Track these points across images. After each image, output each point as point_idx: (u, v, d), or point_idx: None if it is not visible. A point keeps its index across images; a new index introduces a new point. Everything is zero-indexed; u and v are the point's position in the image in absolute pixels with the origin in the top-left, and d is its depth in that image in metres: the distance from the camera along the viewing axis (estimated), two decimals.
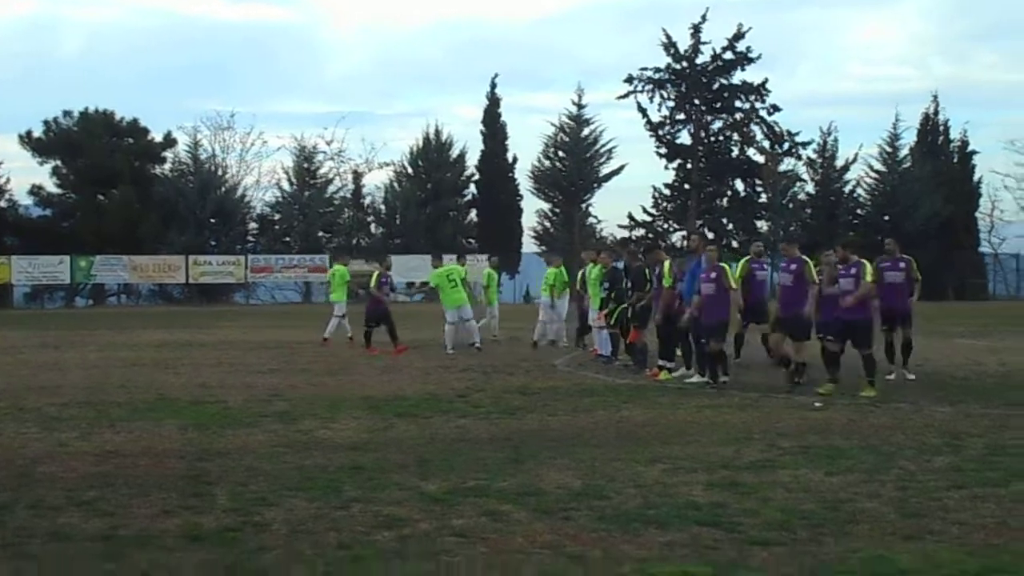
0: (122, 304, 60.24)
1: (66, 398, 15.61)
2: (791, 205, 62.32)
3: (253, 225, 64.80)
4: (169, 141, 63.84)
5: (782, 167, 62.18)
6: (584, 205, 64.24)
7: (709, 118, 62.70)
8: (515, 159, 63.88)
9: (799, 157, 62.69)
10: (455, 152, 64.15)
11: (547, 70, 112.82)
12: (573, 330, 25.18)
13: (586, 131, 63.97)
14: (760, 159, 62.40)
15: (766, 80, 61.92)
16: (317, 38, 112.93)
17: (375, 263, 30.56)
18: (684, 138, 63.00)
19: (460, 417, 13.58)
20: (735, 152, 63.08)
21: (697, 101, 62.19)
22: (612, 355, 20.67)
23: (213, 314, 46.35)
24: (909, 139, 64.71)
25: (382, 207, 64.15)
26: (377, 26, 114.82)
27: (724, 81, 62.37)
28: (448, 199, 63.05)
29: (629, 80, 62.43)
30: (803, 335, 16.63)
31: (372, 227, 64.73)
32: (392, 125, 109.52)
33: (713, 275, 16.99)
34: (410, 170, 63.86)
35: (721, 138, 63.11)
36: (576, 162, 63.10)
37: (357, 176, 64.49)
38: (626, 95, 62.70)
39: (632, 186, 72.42)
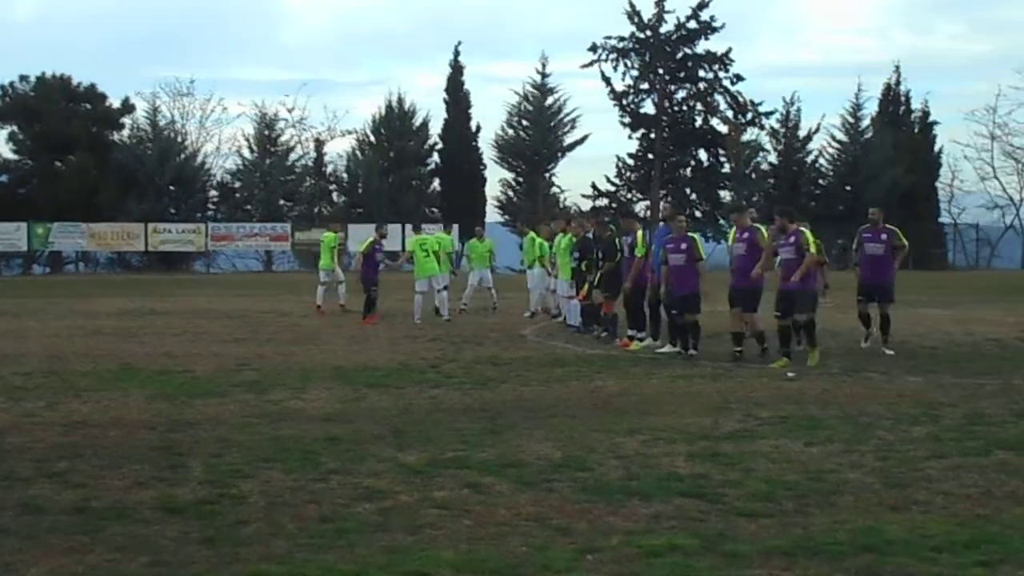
0: (80, 272, 59.64)
1: (29, 367, 15.36)
2: (754, 175, 62.44)
3: (213, 193, 64.20)
4: (127, 107, 63.02)
5: (745, 137, 62.26)
6: (548, 175, 64.08)
7: (673, 88, 62.58)
8: (479, 128, 63.69)
9: (762, 127, 62.84)
10: (418, 121, 63.80)
11: (511, 39, 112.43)
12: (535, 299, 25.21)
13: (550, 100, 63.79)
14: (723, 129, 62.40)
15: (729, 50, 61.95)
16: (277, 4, 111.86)
17: (336, 228, 30.01)
18: (648, 108, 62.96)
19: (433, 387, 13.45)
20: (699, 122, 63.04)
21: (661, 71, 62.03)
22: (581, 325, 20.57)
23: (173, 282, 45.97)
24: (871, 109, 65.06)
25: (344, 175, 63.72)
26: None
27: (688, 51, 62.22)
28: (411, 168, 62.68)
29: (593, 49, 62.22)
30: (752, 307, 16.14)
31: (334, 196, 64.28)
32: (354, 93, 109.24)
33: (683, 246, 16.87)
34: (372, 138, 63.41)
35: (685, 108, 63.03)
36: (540, 131, 62.89)
37: (319, 144, 64.03)
38: (590, 64, 62.52)
39: (596, 156, 72.46)
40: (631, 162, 63.16)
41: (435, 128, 63.81)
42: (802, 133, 63.50)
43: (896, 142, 61.88)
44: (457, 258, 28.50)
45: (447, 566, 6.15)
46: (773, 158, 63.43)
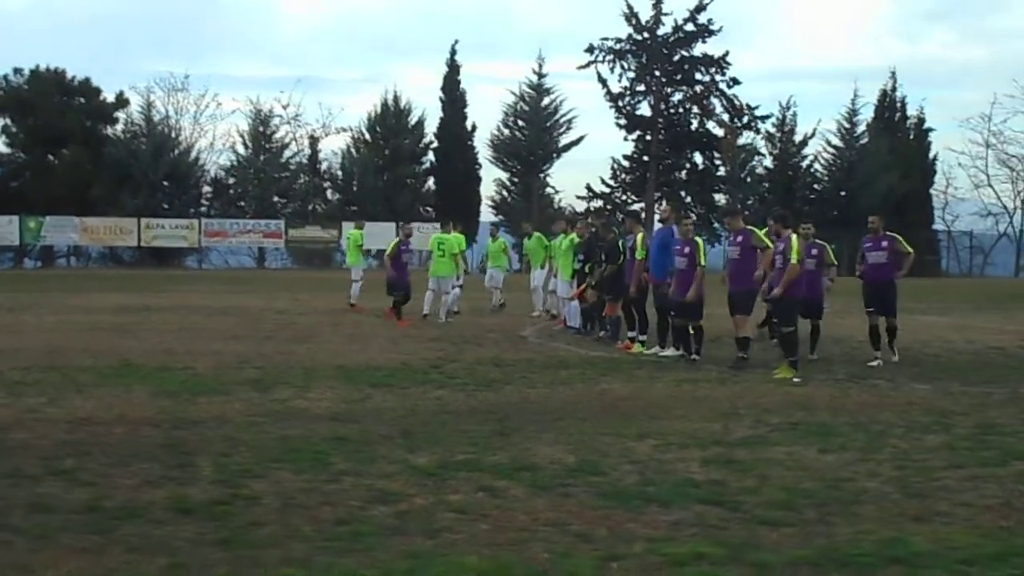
0: (71, 266, 59.36)
1: (28, 362, 15.21)
2: (749, 179, 62.40)
3: (207, 189, 63.93)
4: (121, 101, 62.76)
5: (741, 141, 62.23)
6: (543, 175, 63.96)
7: (669, 90, 62.53)
8: (474, 127, 63.49)
9: (758, 131, 62.84)
10: (413, 119, 63.59)
11: (507, 39, 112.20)
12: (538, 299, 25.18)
13: (546, 101, 63.69)
14: (719, 132, 62.36)
15: (726, 53, 61.94)
16: (273, 1, 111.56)
17: (361, 226, 29.93)
18: (644, 110, 62.89)
19: (437, 388, 13.35)
20: (694, 125, 62.99)
21: (657, 73, 61.99)
22: (581, 327, 20.49)
23: (166, 278, 45.76)
24: (867, 115, 65.04)
25: (339, 173, 63.51)
26: None
27: (685, 53, 62.18)
28: (406, 166, 62.52)
29: (590, 50, 62.17)
30: (744, 311, 15.90)
31: (328, 193, 64.08)
32: (349, 90, 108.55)
33: (687, 250, 16.81)
34: (368, 136, 63.24)
35: (681, 110, 62.99)
36: (535, 132, 62.79)
37: (314, 141, 63.86)
38: (586, 65, 62.44)
39: (591, 157, 72.13)
40: (626, 164, 63.10)
41: (430, 127, 63.75)
42: (798, 138, 63.57)
43: (891, 148, 61.88)
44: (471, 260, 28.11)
45: (471, 572, 6.06)
46: (768, 162, 63.48)
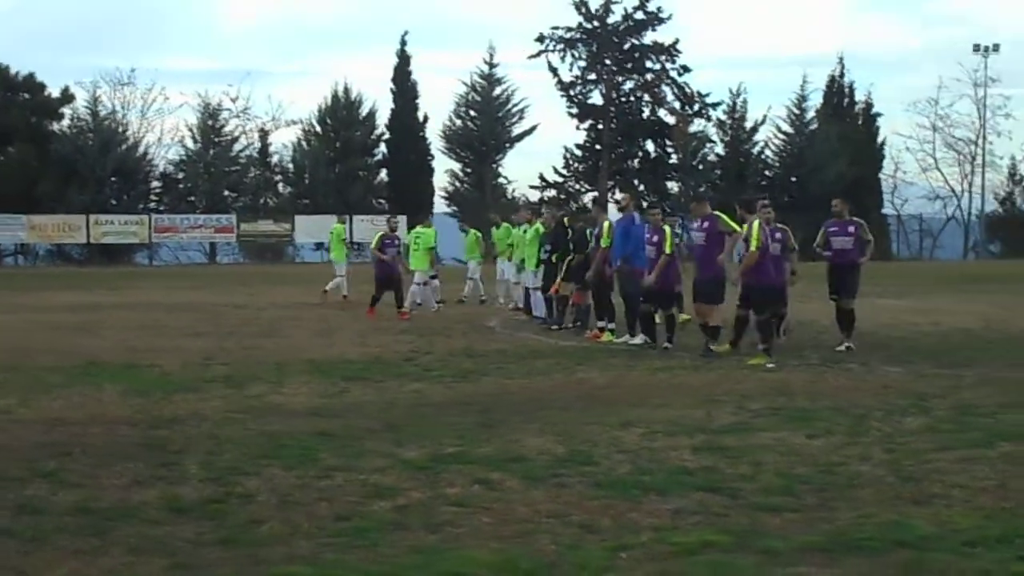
0: (19, 265, 58.58)
1: None
2: (701, 166, 62.63)
3: (156, 184, 63.28)
4: (67, 97, 62.03)
5: (692, 128, 62.42)
6: (495, 165, 63.85)
7: (620, 78, 62.63)
8: (426, 118, 63.32)
9: (709, 118, 63.05)
10: (364, 111, 63.34)
11: (458, 28, 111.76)
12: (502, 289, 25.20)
13: (498, 90, 63.57)
14: (671, 120, 62.54)
15: (676, 41, 62.11)
16: None
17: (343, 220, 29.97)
18: (595, 98, 62.97)
19: (414, 381, 13.28)
20: (646, 113, 63.17)
21: (608, 61, 62.07)
22: (547, 316, 20.45)
23: (117, 275, 45.22)
24: (816, 101, 65.45)
25: (290, 166, 63.12)
26: None
27: (635, 41, 62.30)
28: (358, 158, 62.24)
29: (540, 39, 62.13)
30: (713, 299, 15.81)
31: (280, 186, 63.65)
32: (298, 83, 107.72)
33: (655, 239, 16.82)
34: (318, 128, 62.90)
35: (632, 99, 63.11)
36: (488, 122, 62.67)
37: (264, 134, 63.43)
38: (537, 54, 62.46)
39: (544, 147, 72.13)
40: (579, 153, 63.20)
41: (382, 118, 63.45)
42: (748, 124, 63.84)
43: (840, 134, 62.35)
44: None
45: (482, 567, 5.99)
46: (720, 149, 63.70)
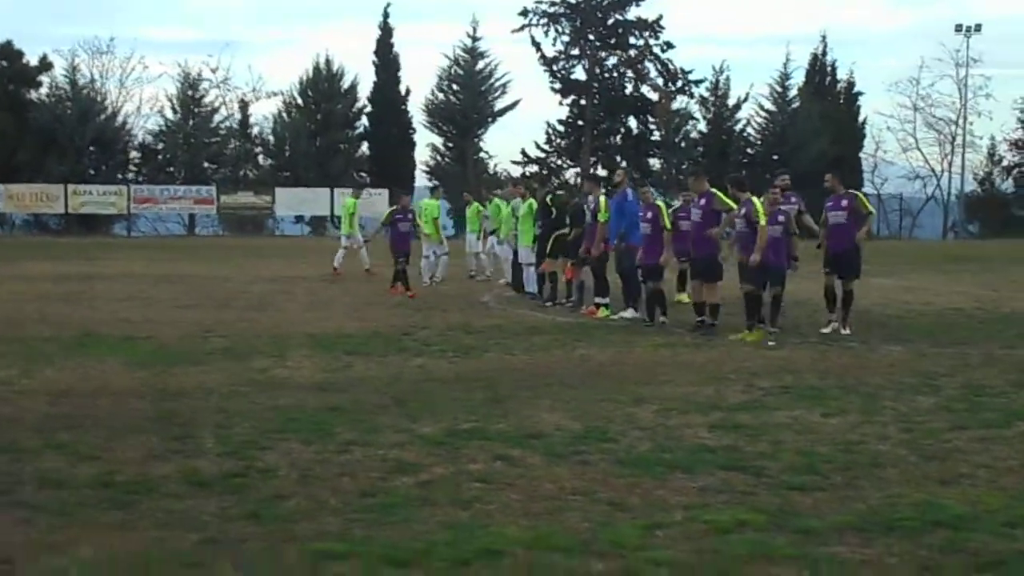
0: None
1: None
2: (683, 143, 62.43)
3: (135, 154, 62.60)
4: (45, 65, 61.13)
5: (675, 105, 62.22)
6: (477, 140, 63.53)
7: (603, 54, 62.23)
8: (408, 92, 62.78)
9: (691, 95, 62.74)
10: (346, 83, 62.69)
11: (441, 1, 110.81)
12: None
13: (481, 64, 63.06)
14: (654, 97, 62.32)
15: (660, 17, 61.71)
16: None
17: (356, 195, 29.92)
18: (578, 74, 62.55)
19: (416, 356, 13.21)
20: (629, 89, 62.82)
21: (592, 37, 61.67)
22: (539, 293, 20.38)
23: (96, 246, 44.73)
24: (798, 80, 65.26)
25: (271, 138, 62.52)
26: None
27: (619, 17, 61.89)
28: (339, 131, 61.70)
29: (524, 13, 61.65)
30: (715, 277, 15.73)
31: (260, 158, 63.10)
32: (280, 54, 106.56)
33: (649, 215, 16.75)
34: (299, 100, 62.25)
35: (615, 75, 62.74)
36: (470, 96, 62.23)
37: (244, 105, 62.60)
38: (521, 28, 61.95)
39: (526, 122, 71.53)
40: (561, 129, 62.82)
41: (364, 91, 62.91)
42: (731, 102, 63.63)
43: (822, 112, 62.27)
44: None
45: (517, 544, 5.94)
46: (703, 126, 63.50)
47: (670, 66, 61.64)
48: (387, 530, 6.23)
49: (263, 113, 66.32)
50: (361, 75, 63.11)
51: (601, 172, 58.89)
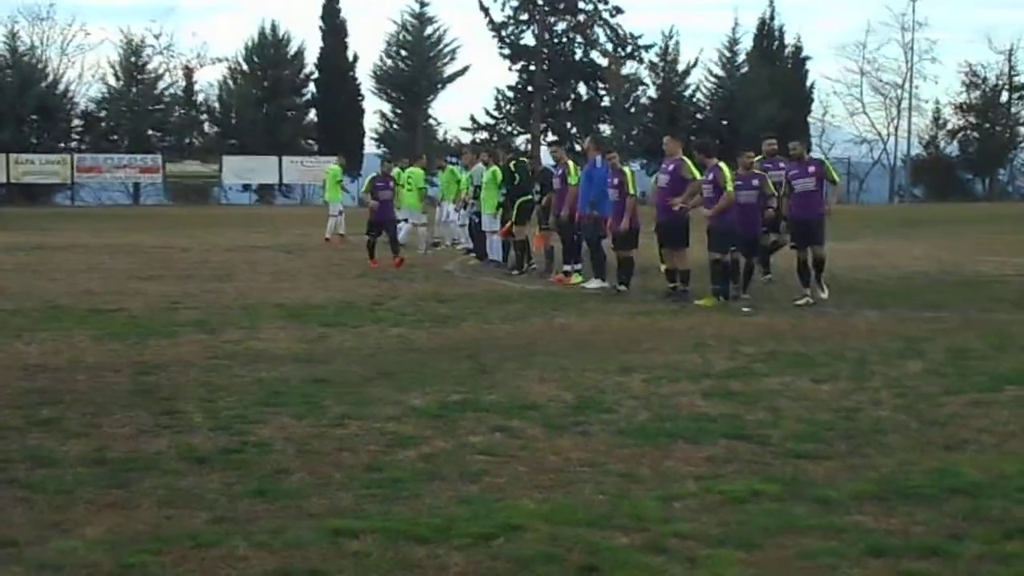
0: None
1: None
2: (634, 109, 62.42)
3: (77, 122, 61.56)
4: None
5: (625, 71, 62.12)
6: (426, 107, 63.11)
7: (552, 19, 61.98)
8: (356, 58, 62.23)
9: (641, 61, 62.71)
10: (292, 49, 62.05)
11: None
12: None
13: (429, 30, 62.63)
14: (603, 62, 62.19)
15: None
16: None
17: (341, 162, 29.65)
18: (528, 39, 62.28)
19: (392, 326, 13.04)
20: (579, 55, 62.67)
21: (541, 1, 61.39)
22: (503, 261, 20.28)
23: (41, 216, 44.10)
24: (747, 44, 65.40)
25: (216, 105, 61.78)
26: None
27: None
28: (286, 98, 61.11)
29: None
30: (683, 243, 15.61)
31: (206, 126, 62.32)
32: (224, 20, 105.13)
33: (615, 181, 16.64)
34: (245, 67, 61.53)
35: (564, 40, 62.54)
36: (419, 62, 61.81)
37: (188, 72, 61.79)
38: None
39: (475, 88, 70.95)
40: (510, 95, 62.60)
41: (311, 57, 62.26)
42: (680, 67, 63.66)
43: (771, 77, 62.47)
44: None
45: (536, 518, 5.82)
46: (652, 92, 63.47)
47: (619, 31, 61.60)
48: (400, 505, 6.10)
49: (208, 80, 65.21)
50: (308, 41, 62.65)
51: (551, 138, 58.89)
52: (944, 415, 8.22)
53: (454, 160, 28.42)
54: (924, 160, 67.76)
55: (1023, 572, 5.12)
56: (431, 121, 63.54)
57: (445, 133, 62.76)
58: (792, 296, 15.12)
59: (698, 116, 63.69)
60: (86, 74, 61.86)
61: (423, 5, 62.79)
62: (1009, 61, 65.68)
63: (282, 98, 60.97)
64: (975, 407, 8.48)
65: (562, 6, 61.76)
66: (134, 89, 60.72)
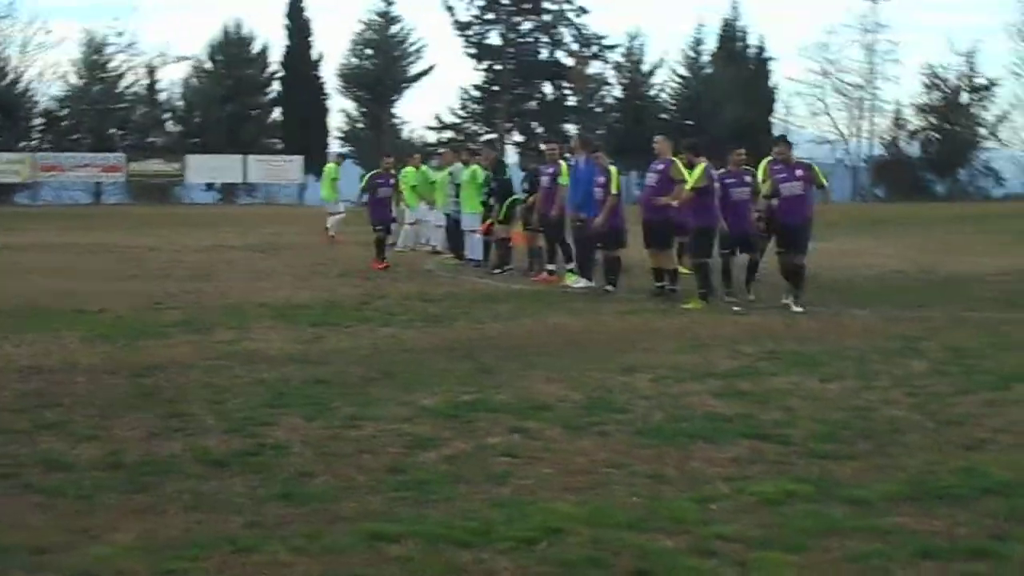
0: None
1: None
2: (599, 109, 62.45)
3: (38, 121, 60.79)
4: None
5: (590, 70, 62.15)
6: (391, 106, 62.84)
7: (518, 19, 61.93)
8: (321, 57, 61.91)
9: (606, 61, 62.76)
10: (257, 47, 61.64)
11: None
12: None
13: (394, 29, 62.39)
14: (569, 62, 62.20)
15: None
16: None
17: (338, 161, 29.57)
18: (493, 39, 62.19)
19: (383, 326, 12.93)
20: (544, 54, 62.66)
21: (506, 1, 61.33)
22: (484, 260, 20.21)
23: (2, 216, 43.45)
24: (711, 45, 65.56)
25: (180, 104, 61.21)
26: None
27: None
28: (250, 97, 60.67)
29: None
30: (666, 242, 15.67)
31: (169, 125, 61.71)
32: (188, 18, 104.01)
33: (601, 180, 16.61)
34: (209, 65, 61.03)
35: (530, 40, 62.52)
36: (384, 61, 61.55)
37: (151, 71, 61.15)
38: None
39: (441, 88, 70.71)
40: (476, 94, 62.50)
41: (275, 56, 61.85)
42: (645, 68, 63.72)
43: (735, 78, 62.65)
44: None
45: (575, 521, 5.75)
46: (618, 92, 63.48)
47: (585, 31, 61.63)
48: (431, 508, 6.02)
49: (171, 78, 64.57)
50: (272, 40, 62.14)
51: (518, 138, 58.94)
52: (958, 414, 8.21)
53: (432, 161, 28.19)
54: (885, 160, 68.16)
55: None
56: (396, 120, 63.29)
57: (411, 132, 62.55)
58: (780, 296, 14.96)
59: (663, 116, 63.70)
60: (47, 72, 60.81)
61: (389, 4, 62.56)
62: (969, 62, 66.16)
63: (246, 97, 60.52)
64: (987, 407, 8.48)
65: (527, 6, 61.73)
66: (96, 88, 60.04)
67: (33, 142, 59.50)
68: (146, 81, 61.20)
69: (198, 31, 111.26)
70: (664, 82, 64.36)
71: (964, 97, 66.76)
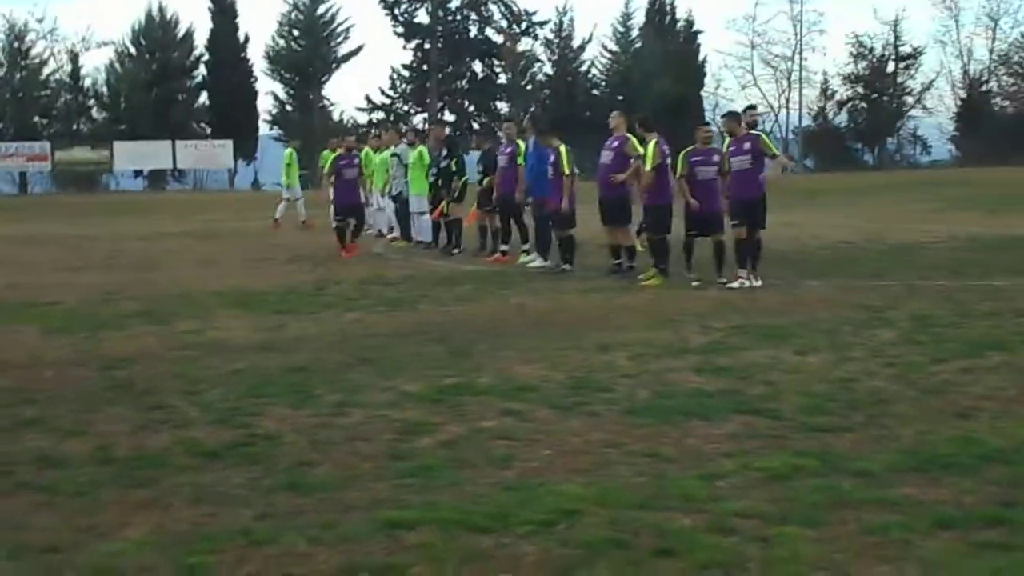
0: None
1: None
2: (530, 86, 62.47)
3: None
4: None
5: (520, 48, 62.11)
6: (321, 87, 62.36)
7: None
8: (247, 39, 61.25)
9: (536, 37, 62.82)
10: (181, 31, 60.89)
11: None
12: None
13: (321, 9, 61.91)
14: (498, 39, 62.10)
15: None
16: None
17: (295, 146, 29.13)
18: (422, 17, 61.94)
19: (346, 312, 12.81)
20: (473, 32, 62.51)
21: None
22: (434, 242, 20.15)
23: None
24: (640, 19, 65.83)
25: (104, 90, 60.28)
26: None
27: None
28: (177, 81, 59.97)
29: None
30: (625, 220, 15.82)
31: (95, 111, 60.75)
32: (109, 2, 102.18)
33: (552, 159, 16.60)
34: (132, 50, 60.17)
35: (459, 17, 62.34)
36: (312, 42, 61.06)
37: (74, 57, 60.24)
38: None
39: (370, 68, 70.22)
40: (406, 74, 62.25)
41: (200, 39, 61.14)
42: (575, 43, 63.85)
43: (664, 52, 62.96)
44: None
45: (588, 502, 5.73)
46: (548, 69, 63.57)
47: (514, 8, 61.59)
48: (441, 495, 5.96)
49: (95, 64, 63.63)
50: (197, 22, 61.52)
51: (448, 117, 58.71)
52: (938, 383, 8.32)
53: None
54: (814, 131, 68.96)
55: None
56: (326, 102, 62.83)
57: (342, 113, 62.14)
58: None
59: (594, 92, 63.90)
60: None
61: None
62: (895, 31, 67.07)
63: (172, 81, 59.82)
64: (965, 374, 8.59)
65: None
66: (18, 75, 58.99)
67: None
68: (69, 67, 60.34)
69: (120, 15, 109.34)
70: (594, 58, 64.58)
71: (890, 66, 67.64)
